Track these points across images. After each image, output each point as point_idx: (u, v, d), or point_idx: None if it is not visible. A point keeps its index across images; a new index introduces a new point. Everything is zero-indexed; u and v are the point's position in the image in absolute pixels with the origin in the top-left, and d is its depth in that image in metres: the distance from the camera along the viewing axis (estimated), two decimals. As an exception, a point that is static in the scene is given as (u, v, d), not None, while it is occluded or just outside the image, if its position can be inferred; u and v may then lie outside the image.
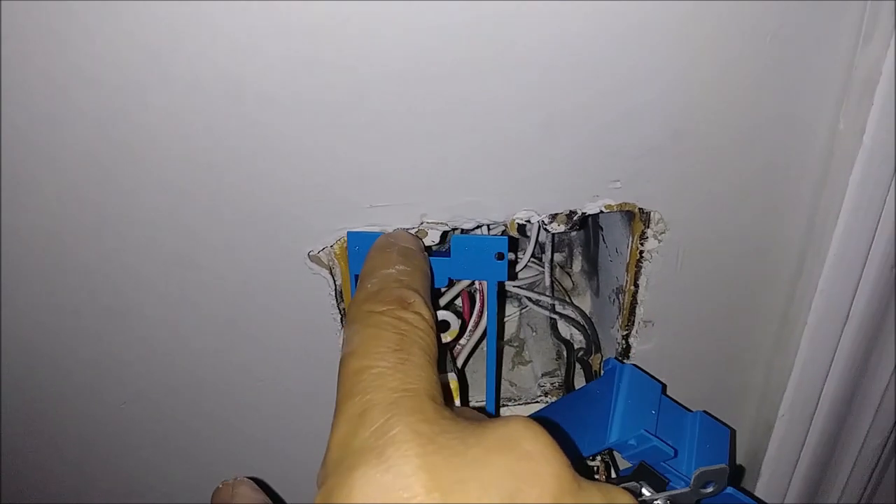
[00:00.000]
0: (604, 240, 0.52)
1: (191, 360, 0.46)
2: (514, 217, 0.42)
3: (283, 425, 0.50)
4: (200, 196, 0.38)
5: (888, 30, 0.34)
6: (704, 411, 0.43)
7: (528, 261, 0.54)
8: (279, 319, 0.44)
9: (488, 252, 0.40)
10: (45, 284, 0.41)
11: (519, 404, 0.52)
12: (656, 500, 0.34)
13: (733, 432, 0.45)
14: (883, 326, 0.45)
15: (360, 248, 0.40)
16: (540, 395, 0.52)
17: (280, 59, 0.34)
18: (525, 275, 0.56)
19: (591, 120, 0.38)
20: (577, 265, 0.60)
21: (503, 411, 0.52)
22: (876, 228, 0.41)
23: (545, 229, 0.43)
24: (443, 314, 0.37)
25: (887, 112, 0.36)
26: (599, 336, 0.53)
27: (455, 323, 0.37)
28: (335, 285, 0.44)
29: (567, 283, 0.60)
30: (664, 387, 0.44)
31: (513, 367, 0.55)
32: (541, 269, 0.55)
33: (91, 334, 0.44)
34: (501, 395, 0.53)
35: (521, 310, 0.56)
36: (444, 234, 0.43)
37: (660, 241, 0.43)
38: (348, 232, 0.41)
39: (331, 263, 0.43)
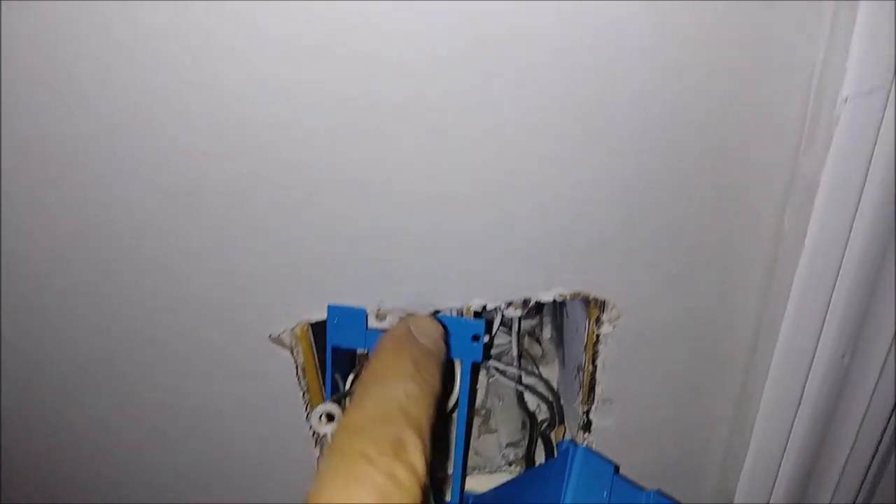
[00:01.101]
0: (566, 315, 0.53)
1: (159, 437, 0.47)
2: (470, 304, 0.43)
3: (251, 498, 0.50)
4: (165, 276, 0.40)
5: (826, 140, 0.35)
6: (659, 490, 0.44)
7: (497, 329, 0.55)
8: (244, 397, 0.45)
9: (465, 333, 0.41)
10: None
11: (483, 473, 0.53)
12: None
13: None
14: (837, 407, 0.46)
15: (339, 321, 0.42)
16: (504, 465, 0.53)
17: (237, 154, 0.35)
18: (496, 341, 0.57)
19: (543, 217, 0.39)
20: (547, 332, 0.61)
21: (468, 481, 0.53)
22: (824, 318, 0.42)
23: (502, 314, 0.44)
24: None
25: (829, 216, 0.37)
26: (564, 408, 0.54)
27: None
28: (297, 364, 0.45)
29: (536, 350, 0.61)
30: (617, 467, 0.44)
31: (479, 436, 0.55)
32: (510, 336, 0.56)
33: (67, 410, 0.45)
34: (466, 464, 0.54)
35: (488, 378, 0.57)
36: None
37: (614, 326, 0.44)
38: (329, 305, 0.42)
39: (293, 344, 0.44)
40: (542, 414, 0.54)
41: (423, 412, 0.30)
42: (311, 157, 0.36)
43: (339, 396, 0.43)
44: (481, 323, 0.42)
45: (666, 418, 0.49)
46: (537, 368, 0.57)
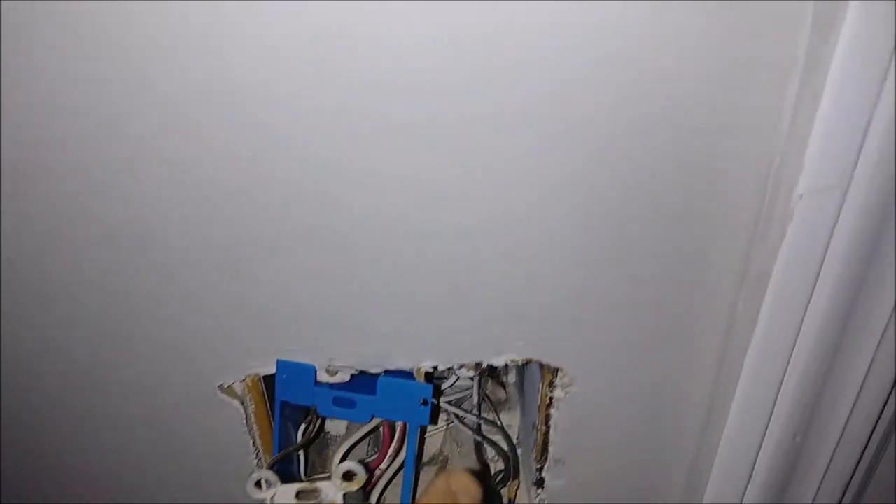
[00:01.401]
0: (526, 369, 0.53)
1: (106, 483, 0.47)
2: (420, 366, 0.42)
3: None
4: (110, 323, 0.39)
5: (779, 234, 0.35)
6: None
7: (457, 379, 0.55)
8: (192, 446, 0.45)
9: (414, 397, 0.41)
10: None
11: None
12: None
13: None
14: (789, 485, 0.46)
15: (287, 376, 0.42)
16: (456, 516, 0.53)
17: (189, 206, 0.35)
18: (458, 385, 0.56)
19: (494, 287, 0.39)
20: (513, 376, 0.61)
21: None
22: (776, 397, 0.41)
23: (455, 374, 0.44)
24: (349, 465, 0.37)
25: (781, 306, 0.37)
26: (522, 461, 0.54)
27: (362, 472, 0.38)
28: (246, 415, 0.45)
29: (500, 395, 0.60)
30: None
31: (435, 483, 0.55)
32: (472, 382, 0.55)
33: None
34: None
35: (448, 423, 0.57)
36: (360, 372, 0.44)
37: (566, 392, 0.44)
38: (278, 360, 0.42)
39: (243, 395, 0.44)
40: (499, 465, 0.54)
41: None
42: (266, 213, 0.35)
43: (285, 454, 0.42)
44: (429, 387, 0.41)
45: (618, 482, 0.49)
46: (498, 416, 0.57)
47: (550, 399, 0.45)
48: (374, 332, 0.41)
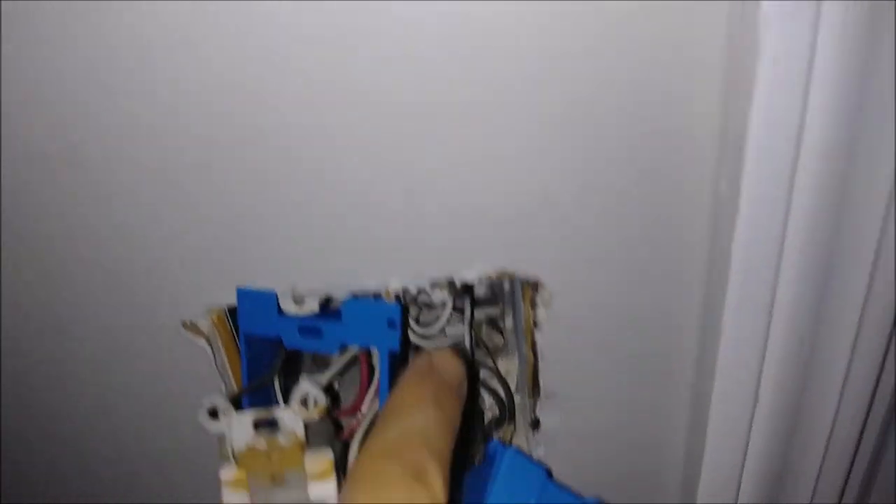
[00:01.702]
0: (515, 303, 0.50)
1: (74, 430, 0.45)
2: (388, 286, 0.40)
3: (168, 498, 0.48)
4: (55, 263, 0.38)
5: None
6: (600, 499, 0.40)
7: (449, 316, 0.52)
8: (160, 391, 0.43)
9: (380, 318, 0.39)
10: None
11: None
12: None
13: None
14: (802, 396, 0.42)
15: (249, 306, 0.40)
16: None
17: (120, 126, 0.33)
18: (449, 331, 0.54)
19: (456, 186, 0.36)
20: (510, 322, 0.58)
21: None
22: (774, 291, 0.37)
23: (428, 295, 0.42)
24: (305, 388, 0.35)
25: (762, 171, 0.33)
26: (518, 405, 0.51)
27: (321, 397, 0.35)
28: (215, 355, 0.42)
29: (497, 341, 0.57)
30: (550, 472, 0.41)
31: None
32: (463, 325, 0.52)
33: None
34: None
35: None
36: (328, 301, 0.42)
37: (549, 310, 0.41)
38: (238, 289, 0.40)
39: (210, 333, 0.42)
40: (494, 410, 0.50)
41: (443, 442, 0.30)
42: (214, 128, 0.34)
43: (251, 388, 0.40)
44: (396, 307, 0.39)
45: (615, 416, 0.45)
46: (494, 361, 0.54)
47: (534, 322, 0.42)
48: (336, 250, 0.39)
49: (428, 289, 0.41)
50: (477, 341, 0.57)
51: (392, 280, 0.40)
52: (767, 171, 0.33)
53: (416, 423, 0.31)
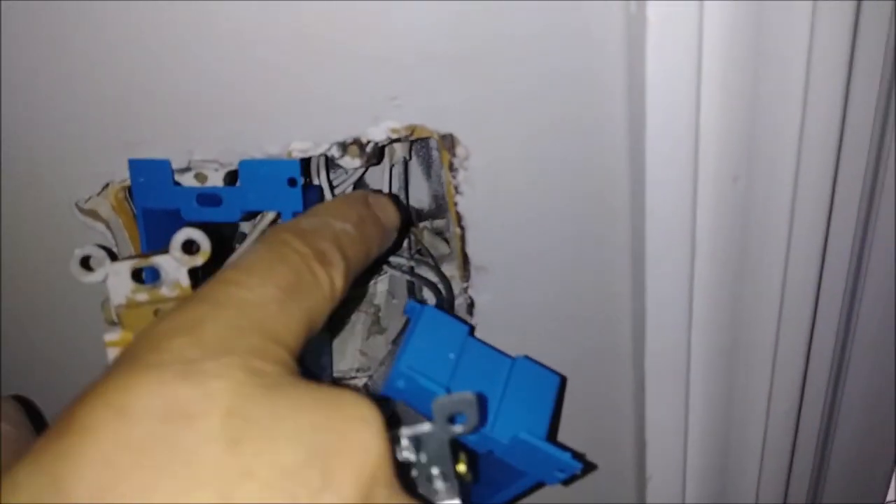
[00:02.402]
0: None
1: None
2: (291, 148, 0.37)
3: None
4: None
5: None
6: (527, 356, 0.38)
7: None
8: (57, 288, 0.40)
9: (279, 178, 0.36)
10: None
11: (369, 375, 0.47)
12: (399, 436, 0.28)
13: (563, 379, 0.39)
14: (746, 256, 0.39)
15: (146, 179, 0.37)
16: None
17: None
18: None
19: (344, 26, 0.33)
20: (455, 227, 0.55)
21: (352, 384, 0.47)
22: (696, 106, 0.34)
23: (337, 164, 0.39)
24: (188, 232, 0.32)
25: None
26: (456, 298, 0.48)
27: (206, 243, 0.32)
28: (116, 241, 0.40)
29: (442, 249, 0.54)
30: (472, 328, 0.38)
31: (367, 337, 0.49)
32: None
33: None
34: (351, 366, 0.48)
35: (377, 276, 0.51)
36: (234, 176, 0.39)
37: (466, 169, 0.38)
38: (130, 160, 0.37)
39: (108, 216, 0.40)
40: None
41: (354, 254, 0.29)
42: None
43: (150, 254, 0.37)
44: (295, 163, 0.36)
45: (552, 289, 0.42)
46: (439, 268, 0.51)
47: (455, 188, 0.39)
48: (231, 110, 0.36)
49: (335, 153, 0.38)
50: (420, 249, 0.54)
51: (294, 143, 0.37)
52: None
53: (333, 226, 0.29)
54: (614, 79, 0.35)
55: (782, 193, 0.37)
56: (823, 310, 0.43)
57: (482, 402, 0.32)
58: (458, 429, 0.28)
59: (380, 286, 0.52)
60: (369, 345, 0.49)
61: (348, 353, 0.49)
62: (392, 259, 0.50)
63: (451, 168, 0.39)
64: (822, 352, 0.45)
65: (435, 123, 0.37)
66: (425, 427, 0.28)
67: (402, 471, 0.27)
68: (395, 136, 0.37)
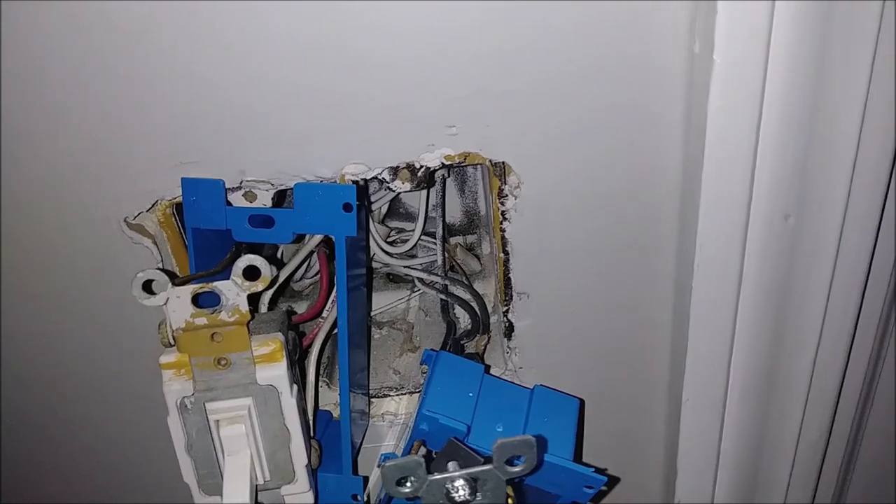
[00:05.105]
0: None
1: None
2: (344, 172, 0.37)
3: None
4: None
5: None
6: (541, 384, 0.38)
7: (419, 240, 0.50)
8: (101, 299, 0.40)
9: (335, 202, 0.36)
10: None
11: (402, 394, 0.47)
12: (454, 477, 0.28)
13: (582, 402, 0.39)
14: (790, 292, 0.39)
15: (197, 198, 0.37)
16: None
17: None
18: (421, 257, 0.51)
19: (420, 59, 0.33)
20: (487, 247, 0.55)
21: (384, 402, 0.47)
22: (754, 164, 0.35)
23: (389, 188, 0.39)
24: (249, 259, 0.32)
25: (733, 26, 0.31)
26: (492, 318, 0.48)
27: (266, 269, 0.32)
28: (162, 257, 0.40)
29: (474, 266, 0.55)
30: (488, 367, 0.40)
31: (400, 355, 0.49)
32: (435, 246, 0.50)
33: None
34: (384, 385, 0.48)
35: (410, 293, 0.52)
36: (282, 196, 0.39)
37: (516, 197, 0.38)
38: (182, 179, 0.37)
39: (156, 232, 0.39)
40: (467, 324, 0.48)
41: None
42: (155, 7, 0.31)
43: (199, 276, 0.37)
44: (351, 188, 0.36)
45: (592, 315, 0.42)
46: (470, 281, 0.51)
47: (503, 214, 0.39)
48: (286, 133, 0.36)
49: (387, 176, 0.38)
50: (453, 265, 0.54)
51: (348, 167, 0.37)
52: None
53: None
54: (671, 115, 0.35)
55: (830, 231, 0.37)
56: (858, 344, 0.43)
57: (541, 444, 0.33)
58: (516, 469, 0.29)
59: (413, 303, 0.52)
60: (402, 363, 0.49)
61: (381, 371, 0.49)
62: (425, 277, 0.50)
63: (501, 195, 0.39)
64: (853, 384, 0.46)
65: (488, 152, 0.37)
66: (485, 468, 0.29)
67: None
68: (448, 163, 0.37)
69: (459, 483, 0.28)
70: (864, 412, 0.49)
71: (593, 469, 0.34)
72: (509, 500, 0.31)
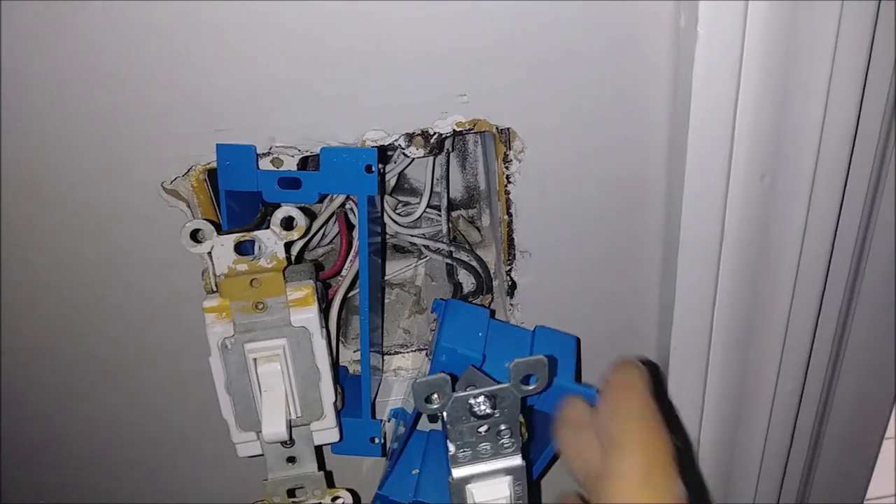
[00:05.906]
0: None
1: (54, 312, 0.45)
2: (365, 137, 0.41)
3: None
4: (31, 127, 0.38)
5: None
6: (542, 326, 0.42)
7: (425, 211, 0.54)
8: (137, 261, 0.44)
9: (357, 164, 0.40)
10: None
11: (411, 350, 0.51)
12: (476, 395, 0.32)
13: (579, 340, 0.43)
14: (767, 245, 0.43)
15: (231, 162, 0.40)
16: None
17: None
18: (426, 227, 0.55)
19: (434, 29, 0.37)
20: (486, 219, 0.59)
21: (395, 359, 0.51)
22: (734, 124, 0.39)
23: (404, 154, 0.43)
24: (286, 210, 0.35)
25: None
26: (495, 280, 0.52)
27: (302, 219, 0.36)
28: (194, 217, 0.43)
29: (475, 237, 0.59)
30: (493, 312, 0.44)
31: (409, 316, 0.53)
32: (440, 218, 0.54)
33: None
34: (396, 342, 0.52)
35: (417, 261, 0.55)
36: (305, 162, 0.43)
37: (520, 161, 0.42)
38: (217, 145, 0.40)
39: (189, 196, 0.43)
40: (470, 286, 0.52)
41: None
42: None
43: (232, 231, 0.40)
44: (373, 151, 0.40)
45: (589, 271, 0.46)
46: (474, 250, 0.55)
47: (507, 178, 0.43)
48: (313, 102, 0.39)
49: (402, 142, 0.42)
50: (455, 237, 0.58)
51: (368, 133, 0.41)
52: None
53: (660, 447, 0.31)
54: (659, 83, 0.40)
55: (801, 190, 0.41)
56: (828, 297, 0.48)
57: (552, 364, 0.36)
58: (530, 388, 0.33)
59: (420, 270, 0.56)
60: (411, 323, 0.53)
61: (391, 331, 0.53)
62: (431, 244, 0.54)
63: (506, 160, 0.43)
64: (825, 335, 0.50)
65: (495, 119, 0.41)
66: (503, 385, 0.32)
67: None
68: (459, 129, 0.41)
69: (481, 398, 0.32)
70: (836, 363, 0.54)
71: (595, 390, 0.38)
72: (522, 428, 0.35)
